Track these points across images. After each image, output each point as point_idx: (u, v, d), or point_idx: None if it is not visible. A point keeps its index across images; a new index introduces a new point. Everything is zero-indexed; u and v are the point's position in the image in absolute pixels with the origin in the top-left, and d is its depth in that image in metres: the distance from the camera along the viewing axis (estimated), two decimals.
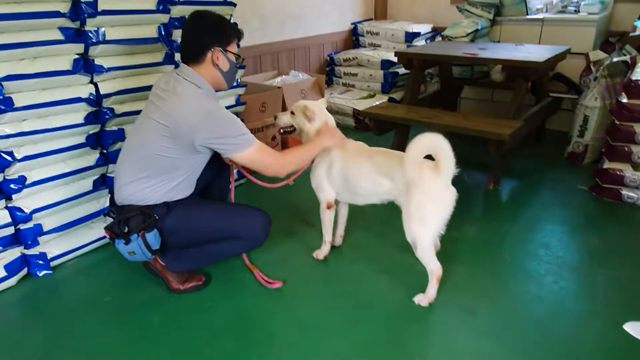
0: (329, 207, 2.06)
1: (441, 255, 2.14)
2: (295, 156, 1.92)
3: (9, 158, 1.89)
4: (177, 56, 2.39)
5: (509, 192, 2.83)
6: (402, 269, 2.07)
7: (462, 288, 1.95)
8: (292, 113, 2.06)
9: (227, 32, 1.80)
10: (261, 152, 1.78)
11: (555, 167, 3.13)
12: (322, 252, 2.16)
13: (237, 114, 2.76)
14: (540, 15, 3.70)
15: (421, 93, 3.71)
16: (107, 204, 2.27)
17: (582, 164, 3.13)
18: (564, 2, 3.81)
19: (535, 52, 2.95)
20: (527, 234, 2.35)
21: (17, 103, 1.86)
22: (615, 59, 2.97)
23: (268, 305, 1.89)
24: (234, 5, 2.57)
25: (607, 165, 2.64)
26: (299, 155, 1.93)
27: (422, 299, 1.85)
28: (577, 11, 3.64)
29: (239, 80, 2.74)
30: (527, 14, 3.75)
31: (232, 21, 2.57)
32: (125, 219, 1.74)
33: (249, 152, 1.75)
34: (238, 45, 1.88)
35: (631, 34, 3.30)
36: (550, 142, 3.54)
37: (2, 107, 1.81)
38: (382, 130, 3.17)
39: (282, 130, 2.12)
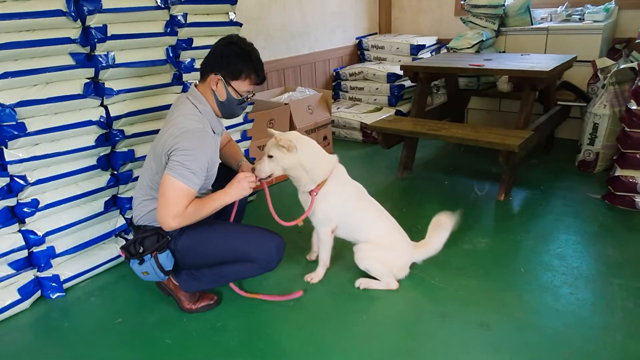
0: (332, 232, 2.07)
1: (454, 268, 2.13)
2: (197, 211, 1.69)
3: (22, 182, 1.92)
4: (185, 77, 2.42)
5: (521, 203, 2.81)
6: (414, 284, 2.05)
7: (476, 302, 1.92)
8: (270, 156, 1.88)
9: (240, 68, 1.74)
10: (179, 194, 1.63)
11: (567, 176, 3.10)
12: (317, 276, 2.12)
13: (244, 131, 2.78)
14: (544, 25, 3.70)
15: (428, 105, 3.72)
16: (118, 224, 2.29)
17: (594, 172, 3.10)
18: (568, 11, 3.81)
19: (541, 62, 2.95)
20: (540, 245, 2.32)
21: (30, 128, 1.89)
22: (622, 66, 2.95)
23: (281, 322, 1.88)
24: (240, 25, 2.60)
25: (619, 172, 2.61)
26: (202, 210, 1.71)
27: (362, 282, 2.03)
28: (581, 19, 3.63)
29: (246, 116, 2.74)
30: (532, 24, 3.75)
31: None
32: (140, 239, 1.75)
33: (174, 182, 1.62)
34: (251, 92, 1.83)
35: (637, 41, 3.29)
36: (561, 151, 3.51)
37: (15, 132, 1.84)
38: (390, 143, 3.17)
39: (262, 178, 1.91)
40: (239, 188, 1.77)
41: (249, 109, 2.77)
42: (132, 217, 1.92)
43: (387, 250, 2.02)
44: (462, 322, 1.81)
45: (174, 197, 1.64)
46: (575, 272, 2.08)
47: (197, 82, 1.84)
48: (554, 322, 1.78)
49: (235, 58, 1.74)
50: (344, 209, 2.02)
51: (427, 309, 1.91)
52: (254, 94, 1.87)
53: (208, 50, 2.49)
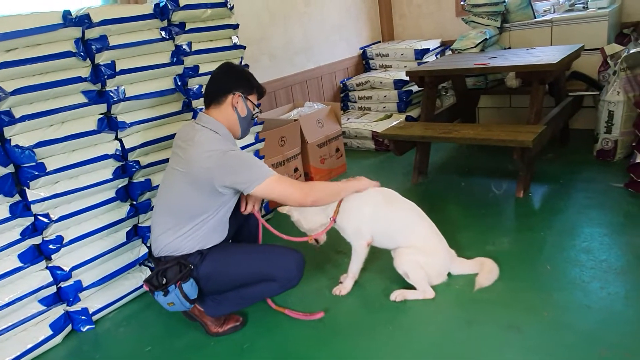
0: (368, 245, 2.06)
1: None
2: (323, 188, 1.92)
3: (45, 220, 1.97)
4: (195, 103, 2.47)
5: (541, 198, 2.76)
6: (439, 290, 2.02)
7: (504, 304, 1.89)
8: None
9: (251, 83, 1.90)
10: (280, 182, 1.77)
11: (586, 167, 3.04)
12: (345, 288, 2.11)
13: (257, 151, 2.81)
14: (548, 17, 3.67)
15: (437, 108, 3.71)
16: (141, 253, 2.32)
17: (614, 161, 3.04)
18: (571, 1, 3.77)
19: (547, 54, 2.92)
20: (565, 240, 2.27)
21: (49, 167, 1.95)
22: (632, 50, 2.90)
23: (307, 339, 1.88)
24: (244, 48, 2.65)
25: (639, 159, 2.55)
26: (327, 189, 1.93)
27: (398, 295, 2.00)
28: (585, 7, 3.60)
29: (257, 135, 2.77)
30: (535, 17, 3.73)
31: (243, 62, 2.66)
32: (162, 271, 1.77)
33: (266, 184, 1.73)
34: (259, 103, 1.98)
35: None
36: (577, 142, 3.45)
37: (36, 173, 1.90)
38: (402, 150, 3.16)
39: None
40: (360, 183, 2.03)
41: (259, 128, 2.81)
42: (150, 248, 1.94)
43: (428, 255, 2.00)
44: (491, 326, 1.78)
45: (283, 191, 1.77)
46: (604, 265, 2.03)
47: (206, 109, 1.89)
48: (586, 319, 1.74)
49: (243, 77, 1.91)
50: (376, 218, 2.02)
51: (453, 315, 1.88)
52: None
53: None
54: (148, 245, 2.34)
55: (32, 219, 1.95)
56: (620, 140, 2.99)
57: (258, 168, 1.75)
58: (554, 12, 3.82)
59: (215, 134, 1.80)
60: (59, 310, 2.07)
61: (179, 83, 2.35)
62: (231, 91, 1.85)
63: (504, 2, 3.68)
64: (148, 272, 2.34)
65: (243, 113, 1.89)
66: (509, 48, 3.79)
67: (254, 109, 1.93)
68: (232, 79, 1.87)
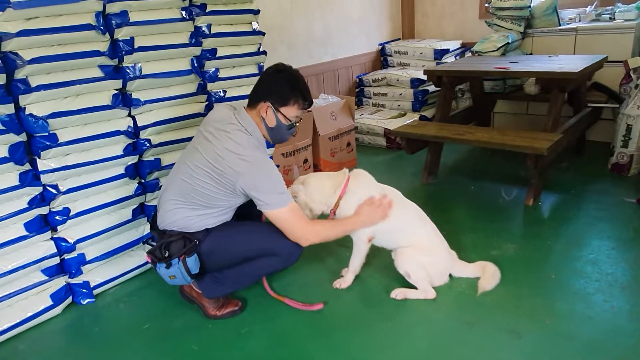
0: (369, 240, 2.05)
1: None
2: (327, 229, 1.88)
3: (54, 191, 1.98)
4: (210, 86, 2.46)
5: (551, 208, 2.72)
6: (441, 290, 2.01)
7: (506, 309, 1.87)
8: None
9: (288, 95, 1.82)
10: (291, 215, 1.76)
11: (599, 180, 2.99)
12: (346, 282, 2.10)
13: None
14: (573, 25, 3.61)
15: (453, 109, 3.67)
16: (146, 231, 2.33)
17: (628, 175, 2.99)
18: (598, 11, 3.71)
19: (570, 63, 2.87)
20: (572, 251, 2.24)
21: (61, 138, 1.95)
22: None
23: (305, 329, 1.87)
24: (263, 34, 2.64)
25: None
26: (331, 230, 1.90)
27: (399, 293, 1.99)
28: (612, 19, 3.53)
29: None
30: (560, 25, 3.67)
31: (261, 49, 2.65)
32: (166, 244, 1.77)
33: (279, 212, 1.75)
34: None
35: None
36: (592, 154, 3.40)
37: (48, 143, 1.91)
38: (414, 148, 3.14)
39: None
40: (371, 215, 1.94)
41: None
42: (152, 220, 1.94)
43: (429, 255, 1.99)
44: (491, 329, 1.76)
45: (290, 223, 1.77)
46: (610, 278, 2.00)
47: (246, 107, 1.88)
48: (588, 330, 1.71)
49: (283, 85, 1.83)
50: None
51: (454, 316, 1.86)
52: (301, 119, 1.94)
53: (232, 59, 2.55)
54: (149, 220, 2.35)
55: (40, 188, 1.96)
56: (636, 155, 2.94)
57: (279, 195, 1.75)
58: (580, 20, 3.75)
59: (249, 135, 1.80)
60: (60, 282, 2.08)
61: (196, 65, 2.34)
62: (262, 99, 1.82)
63: (529, 7, 3.62)
64: None
65: (271, 124, 1.85)
66: (531, 54, 3.74)
67: (288, 122, 1.86)
68: (268, 87, 1.83)
